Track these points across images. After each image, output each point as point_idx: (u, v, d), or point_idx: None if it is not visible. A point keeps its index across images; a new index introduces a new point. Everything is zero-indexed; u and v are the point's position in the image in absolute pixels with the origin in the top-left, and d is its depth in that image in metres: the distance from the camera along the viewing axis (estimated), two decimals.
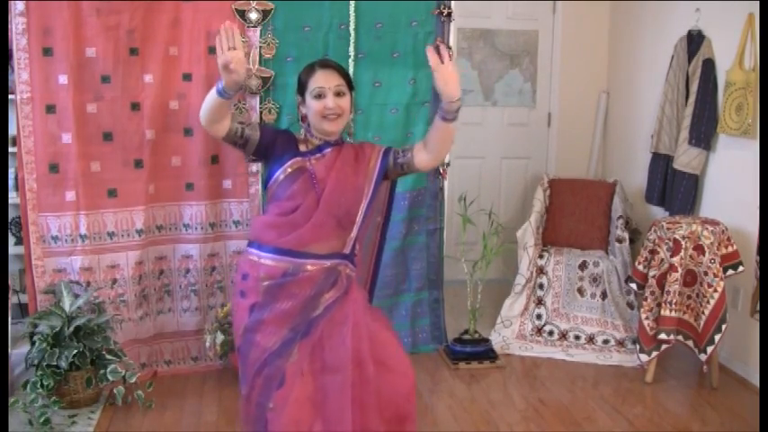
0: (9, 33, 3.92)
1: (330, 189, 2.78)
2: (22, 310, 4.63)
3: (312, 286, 2.76)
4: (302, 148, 2.85)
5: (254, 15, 4.26)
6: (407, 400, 2.87)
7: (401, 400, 2.85)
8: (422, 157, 2.86)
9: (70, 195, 4.07)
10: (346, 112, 2.83)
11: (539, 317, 5.06)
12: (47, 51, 3.96)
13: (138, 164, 4.19)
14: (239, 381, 2.88)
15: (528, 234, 5.18)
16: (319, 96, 2.77)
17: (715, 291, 4.16)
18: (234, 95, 2.66)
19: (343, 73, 2.84)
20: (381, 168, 2.87)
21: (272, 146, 2.81)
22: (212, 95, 2.65)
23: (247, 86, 4.28)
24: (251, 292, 2.79)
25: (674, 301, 4.23)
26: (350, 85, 2.85)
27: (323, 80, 2.77)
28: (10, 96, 4.17)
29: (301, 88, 2.84)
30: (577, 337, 4.96)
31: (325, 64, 2.84)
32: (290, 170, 2.79)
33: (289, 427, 2.68)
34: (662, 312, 4.26)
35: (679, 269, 4.22)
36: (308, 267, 2.76)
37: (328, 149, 2.85)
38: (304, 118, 2.88)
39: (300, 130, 2.92)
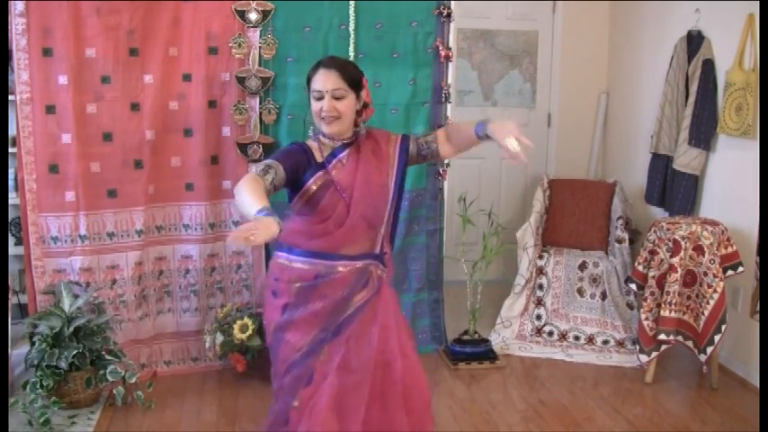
0: (9, 34, 3.92)
1: (358, 196, 2.77)
2: (22, 310, 4.63)
3: (344, 287, 2.76)
4: (318, 156, 2.80)
5: (253, 15, 4.26)
6: (425, 414, 2.88)
7: (420, 414, 2.85)
8: (447, 150, 2.91)
9: (70, 196, 4.07)
10: (345, 115, 2.77)
11: (538, 317, 5.06)
12: (47, 52, 3.96)
13: (138, 164, 4.19)
14: (271, 375, 2.89)
15: (528, 234, 5.18)
16: (317, 98, 2.75)
17: (715, 291, 4.16)
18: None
19: (347, 73, 2.77)
20: (402, 161, 2.88)
21: (296, 171, 2.73)
22: (248, 210, 2.42)
23: (247, 87, 4.28)
24: (283, 293, 2.80)
25: (674, 301, 4.23)
26: (353, 84, 2.78)
27: (321, 82, 2.74)
28: (10, 97, 4.17)
29: (308, 85, 2.82)
30: (577, 338, 4.96)
31: (328, 64, 2.78)
32: (314, 187, 2.75)
33: (317, 427, 2.67)
34: (662, 313, 4.26)
35: (679, 269, 4.21)
36: (340, 269, 2.76)
37: (344, 153, 2.81)
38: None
39: (310, 132, 2.90)
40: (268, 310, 2.88)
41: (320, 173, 2.76)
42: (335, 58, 2.90)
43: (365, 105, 2.88)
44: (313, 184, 2.75)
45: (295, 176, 2.73)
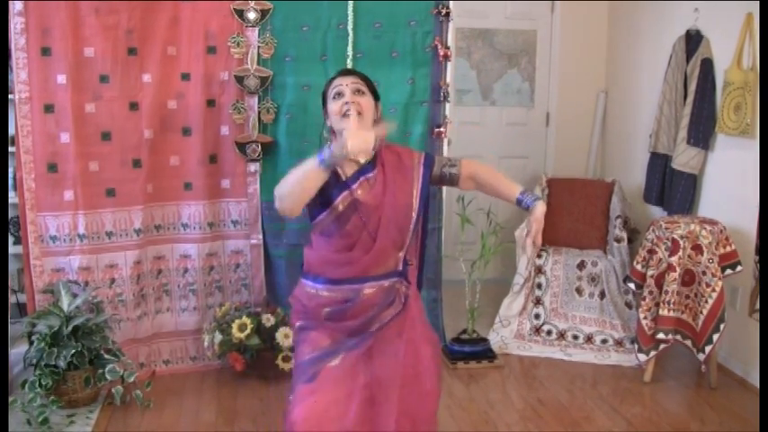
0: (8, 33, 3.92)
1: (386, 219, 2.69)
2: (21, 309, 4.64)
3: (372, 308, 2.71)
4: (341, 174, 2.69)
5: (252, 15, 4.26)
6: (432, 419, 2.84)
7: (428, 417, 2.81)
8: (468, 185, 2.90)
9: (69, 195, 4.07)
10: (367, 112, 2.68)
11: (537, 316, 5.07)
12: (45, 51, 3.95)
13: (137, 163, 4.19)
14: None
15: (526, 233, 5.17)
16: (337, 96, 2.68)
17: (713, 290, 4.16)
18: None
19: (365, 77, 2.76)
20: (426, 179, 2.80)
21: (324, 186, 2.61)
22: (309, 166, 2.48)
23: (245, 86, 4.28)
24: (312, 317, 2.76)
25: (673, 300, 4.23)
26: (372, 89, 2.75)
27: (340, 80, 2.71)
28: (9, 96, 4.17)
29: (324, 100, 2.76)
30: (576, 337, 4.96)
31: (344, 71, 2.80)
32: (341, 207, 2.68)
33: (295, 420, 2.52)
34: (660, 312, 4.26)
35: (677, 269, 4.22)
36: (366, 291, 2.71)
37: (372, 173, 2.71)
38: (333, 133, 2.73)
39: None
40: (295, 315, 2.84)
41: (346, 192, 2.68)
42: (350, 69, 2.92)
43: (377, 122, 2.77)
44: (340, 203, 2.67)
45: (322, 192, 2.62)
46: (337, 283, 2.72)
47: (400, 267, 2.79)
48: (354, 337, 2.70)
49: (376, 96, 2.77)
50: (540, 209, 2.70)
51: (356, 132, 2.45)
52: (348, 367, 2.63)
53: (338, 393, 2.57)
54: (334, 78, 2.76)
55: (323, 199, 2.66)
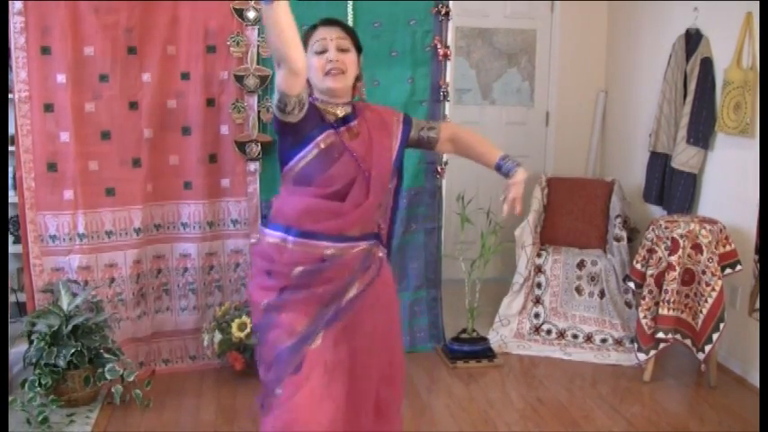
0: (8, 32, 3.92)
1: (377, 173, 2.53)
2: (20, 308, 4.64)
3: (350, 272, 2.52)
4: (324, 117, 2.54)
5: (252, 14, 4.26)
6: (402, 382, 2.77)
7: (401, 382, 2.74)
8: (446, 148, 2.81)
9: (68, 194, 4.07)
10: (350, 70, 2.55)
11: (537, 316, 5.07)
12: (45, 50, 3.95)
13: (137, 163, 4.19)
14: (257, 360, 2.61)
15: (526, 233, 5.18)
16: (320, 52, 2.51)
17: (713, 290, 4.16)
18: None
19: (349, 30, 2.60)
20: (404, 138, 2.68)
21: (308, 113, 2.48)
22: (266, 18, 2.22)
23: (245, 85, 4.28)
24: (280, 276, 2.51)
25: (673, 299, 4.23)
26: (356, 43, 2.59)
27: (324, 33, 2.53)
28: (8, 95, 4.17)
29: (305, 48, 2.50)
30: (575, 336, 4.96)
31: (328, 21, 2.59)
32: (323, 146, 2.49)
33: (297, 414, 2.39)
34: (660, 311, 4.26)
35: (677, 268, 4.22)
36: (346, 252, 2.52)
37: (355, 122, 2.58)
38: (307, 83, 2.52)
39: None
40: (257, 291, 2.57)
41: (330, 131, 2.51)
42: (332, 17, 2.64)
43: (359, 77, 2.65)
44: (322, 141, 2.49)
45: (301, 131, 2.47)
46: (314, 237, 2.48)
47: (376, 230, 2.63)
48: (329, 308, 2.49)
49: (359, 49, 2.62)
50: (521, 174, 2.61)
51: None
52: (331, 345, 2.49)
53: (328, 377, 2.48)
54: (316, 27, 2.58)
55: (302, 137, 2.48)
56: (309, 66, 2.49)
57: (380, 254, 2.64)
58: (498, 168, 2.66)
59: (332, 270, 2.49)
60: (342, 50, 2.53)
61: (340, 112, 2.56)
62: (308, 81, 2.49)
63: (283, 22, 2.21)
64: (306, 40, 2.53)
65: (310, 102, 2.52)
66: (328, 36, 2.52)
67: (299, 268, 2.48)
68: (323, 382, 2.46)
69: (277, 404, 2.42)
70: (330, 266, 2.49)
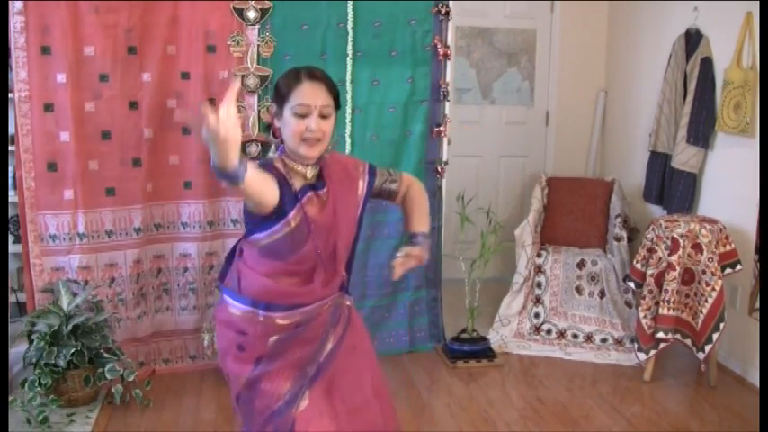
0: (8, 32, 3.92)
1: (344, 244, 2.47)
2: (20, 308, 4.64)
3: (324, 328, 2.47)
4: (291, 186, 2.38)
5: (252, 14, 4.26)
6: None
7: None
8: (400, 203, 2.71)
9: (68, 194, 4.06)
10: (327, 137, 2.37)
11: (537, 315, 5.07)
12: (45, 50, 3.95)
13: (137, 162, 4.19)
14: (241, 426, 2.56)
15: (526, 233, 5.18)
16: (301, 116, 2.31)
17: (713, 289, 4.16)
18: (244, 172, 2.11)
19: (333, 89, 2.39)
20: (369, 189, 2.57)
21: (280, 197, 2.33)
22: (245, 189, 2.16)
23: (245, 85, 4.28)
24: (253, 347, 2.43)
25: (673, 299, 4.23)
26: (337, 102, 2.41)
27: (310, 96, 2.32)
28: (8, 95, 4.17)
29: (280, 98, 2.36)
30: (575, 336, 4.96)
31: (314, 75, 2.36)
32: (293, 224, 2.35)
33: None
34: (660, 311, 4.26)
35: (677, 268, 4.22)
36: (318, 311, 2.45)
37: (324, 190, 2.43)
38: (276, 133, 2.41)
39: (270, 151, 2.60)
40: (233, 363, 2.46)
41: (298, 206, 2.36)
42: (316, 69, 2.41)
43: None
44: (293, 219, 2.35)
45: (279, 203, 2.33)
46: (286, 309, 2.41)
47: (342, 281, 2.56)
48: (310, 367, 2.44)
49: (338, 105, 2.43)
50: (423, 251, 2.50)
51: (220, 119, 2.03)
52: (320, 401, 2.43)
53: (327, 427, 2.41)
54: (299, 79, 2.35)
55: (278, 210, 2.33)
56: (285, 123, 2.35)
57: (348, 302, 2.58)
58: (411, 237, 2.60)
59: (307, 332, 2.44)
60: (324, 117, 2.35)
61: (309, 174, 2.41)
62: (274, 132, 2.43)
63: (257, 187, 2.19)
64: (284, 90, 2.36)
65: (271, 166, 2.38)
66: (313, 103, 2.31)
67: (274, 338, 2.41)
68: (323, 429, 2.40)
69: None
70: (304, 330, 2.43)
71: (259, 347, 2.42)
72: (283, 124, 2.36)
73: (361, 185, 2.56)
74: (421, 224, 2.62)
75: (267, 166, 2.37)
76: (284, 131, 2.37)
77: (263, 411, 2.41)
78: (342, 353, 2.50)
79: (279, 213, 2.33)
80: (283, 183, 2.34)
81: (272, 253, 2.40)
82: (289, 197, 2.34)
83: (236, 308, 2.43)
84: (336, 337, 2.50)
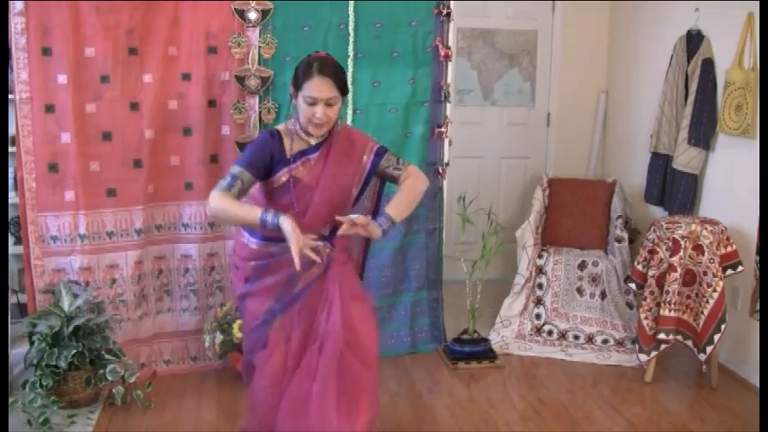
0: (8, 33, 3.92)
1: (319, 200, 2.93)
2: (21, 309, 4.63)
3: (292, 266, 2.81)
4: (287, 150, 2.94)
5: (253, 15, 4.26)
6: (367, 392, 3.02)
7: (360, 392, 2.98)
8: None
9: (69, 195, 4.06)
10: (332, 120, 2.90)
11: (538, 316, 5.07)
12: (46, 51, 3.95)
13: (138, 163, 4.19)
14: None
15: (527, 234, 5.18)
16: (311, 104, 2.83)
17: (714, 290, 4.16)
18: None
19: (340, 80, 2.88)
20: (372, 168, 3.04)
21: (267, 169, 2.93)
22: (251, 216, 2.81)
23: (246, 86, 4.28)
24: (242, 269, 3.08)
25: (674, 300, 4.23)
26: (344, 91, 2.91)
27: (317, 90, 2.82)
28: (9, 96, 4.17)
29: (296, 84, 2.88)
30: (576, 337, 4.96)
31: (324, 70, 2.84)
32: (284, 179, 2.93)
33: (267, 380, 3.01)
34: (661, 312, 4.26)
35: (678, 269, 4.21)
36: (287, 250, 2.82)
37: (315, 154, 2.96)
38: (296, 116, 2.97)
39: (290, 118, 3.02)
40: (234, 280, 3.21)
41: (288, 167, 2.93)
42: (328, 62, 2.90)
43: None
44: (283, 175, 2.93)
45: (266, 173, 2.93)
46: (268, 239, 2.95)
47: (326, 233, 2.99)
48: (281, 301, 3.00)
49: (347, 91, 2.94)
50: (375, 226, 2.87)
51: (298, 245, 2.72)
52: (287, 325, 3.00)
53: (286, 348, 2.99)
54: (311, 72, 2.84)
55: (270, 175, 2.93)
56: (299, 105, 2.88)
57: (328, 251, 2.97)
58: (377, 216, 2.99)
59: (276, 265, 2.96)
60: (329, 105, 2.85)
61: (312, 142, 2.96)
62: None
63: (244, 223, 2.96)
64: (300, 78, 2.86)
65: (273, 139, 2.95)
66: (319, 96, 2.81)
67: (252, 263, 3.04)
68: (283, 351, 2.99)
69: (254, 373, 3.09)
70: (274, 262, 2.97)
71: (245, 269, 3.07)
72: (298, 104, 2.89)
73: (365, 161, 3.02)
74: (394, 207, 2.97)
75: (268, 137, 2.96)
76: (298, 110, 2.90)
77: (248, 324, 3.11)
78: (310, 293, 2.99)
79: (274, 171, 2.93)
80: (276, 151, 2.92)
81: (270, 195, 2.99)
82: (280, 162, 2.92)
83: (240, 235, 3.12)
84: (310, 278, 2.97)
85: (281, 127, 3.01)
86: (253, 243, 3.02)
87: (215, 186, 2.85)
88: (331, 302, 2.97)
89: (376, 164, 3.03)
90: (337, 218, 2.83)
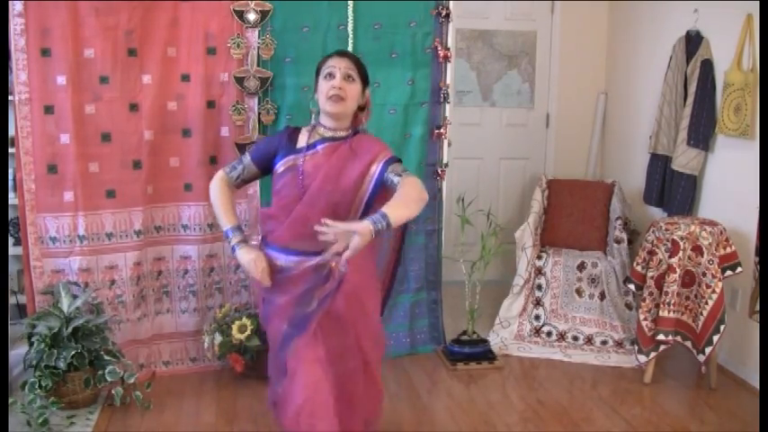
0: (8, 34, 3.92)
1: (316, 188, 2.87)
2: (21, 310, 4.63)
3: (303, 283, 2.85)
4: (301, 142, 2.98)
5: (252, 16, 4.26)
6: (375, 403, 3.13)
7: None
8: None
9: (69, 196, 4.06)
10: (351, 98, 2.90)
11: (537, 318, 5.07)
12: (45, 52, 3.95)
13: (137, 164, 4.19)
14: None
15: (526, 235, 5.18)
16: (328, 76, 2.88)
17: (713, 291, 4.16)
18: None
19: (359, 63, 2.96)
20: (380, 176, 2.91)
21: (273, 156, 2.98)
22: (222, 224, 3.01)
23: (245, 87, 4.28)
24: (259, 288, 3.06)
25: (673, 301, 4.23)
26: (363, 76, 2.96)
27: (335, 62, 2.91)
28: (8, 97, 4.17)
29: (316, 73, 2.97)
30: (576, 338, 4.96)
31: (342, 53, 3.00)
32: (283, 167, 2.95)
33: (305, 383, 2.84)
34: (660, 313, 4.26)
35: (677, 270, 4.22)
36: (298, 266, 2.87)
37: (324, 145, 2.95)
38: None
39: (312, 120, 3.05)
40: (258, 302, 3.30)
41: (291, 156, 2.94)
42: (347, 51, 3.09)
43: (363, 108, 3.04)
44: (283, 164, 2.95)
45: (268, 165, 3.00)
46: (276, 250, 2.94)
47: (317, 227, 2.73)
48: (294, 324, 2.88)
49: (366, 82, 2.98)
50: (366, 230, 2.62)
51: (257, 277, 2.86)
52: (312, 342, 2.85)
53: (316, 367, 2.85)
54: (329, 57, 2.96)
55: (276, 162, 2.99)
56: (319, 90, 2.93)
57: (339, 267, 2.83)
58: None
59: (287, 281, 2.91)
60: (348, 79, 2.89)
61: (328, 134, 2.97)
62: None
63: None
64: (319, 66, 2.98)
65: (290, 132, 3.02)
66: (338, 65, 2.88)
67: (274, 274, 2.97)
68: (315, 368, 2.86)
69: (280, 400, 2.97)
70: (285, 277, 2.91)
71: (261, 289, 3.02)
72: (318, 94, 2.92)
73: (374, 169, 2.92)
74: (390, 207, 2.71)
75: (282, 132, 3.06)
76: (318, 99, 2.93)
77: (272, 346, 3.03)
78: (326, 311, 2.86)
79: (278, 160, 2.97)
80: (284, 145, 2.97)
81: (273, 187, 3.00)
82: (282, 152, 2.96)
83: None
84: (322, 295, 2.85)
85: (303, 127, 3.07)
86: (269, 253, 2.98)
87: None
88: (344, 320, 2.91)
89: (382, 173, 2.91)
90: (323, 220, 2.65)
